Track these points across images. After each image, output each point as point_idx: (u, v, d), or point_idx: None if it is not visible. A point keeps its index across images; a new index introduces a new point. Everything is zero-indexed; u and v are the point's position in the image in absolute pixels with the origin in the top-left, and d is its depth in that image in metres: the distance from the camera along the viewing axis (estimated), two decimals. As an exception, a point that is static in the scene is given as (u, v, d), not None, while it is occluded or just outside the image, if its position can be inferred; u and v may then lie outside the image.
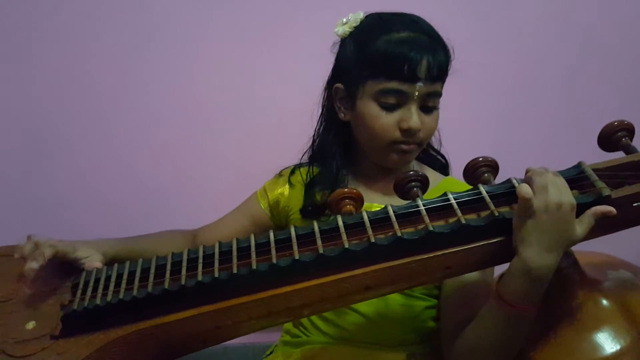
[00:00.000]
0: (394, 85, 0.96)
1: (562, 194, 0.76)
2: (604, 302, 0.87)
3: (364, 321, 1.01)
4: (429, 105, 0.99)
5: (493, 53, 1.48)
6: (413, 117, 0.97)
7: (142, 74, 1.51)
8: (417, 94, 0.96)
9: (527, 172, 0.81)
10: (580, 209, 0.78)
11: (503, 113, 1.51)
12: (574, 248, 0.88)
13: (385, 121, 0.98)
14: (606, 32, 1.49)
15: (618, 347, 0.83)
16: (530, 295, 0.80)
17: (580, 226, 0.77)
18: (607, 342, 0.83)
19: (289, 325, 1.10)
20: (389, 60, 0.96)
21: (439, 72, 0.97)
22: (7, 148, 1.52)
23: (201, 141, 1.52)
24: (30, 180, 1.53)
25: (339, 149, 1.08)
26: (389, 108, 0.98)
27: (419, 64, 0.95)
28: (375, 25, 1.01)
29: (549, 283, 0.88)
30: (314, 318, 1.04)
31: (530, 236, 0.76)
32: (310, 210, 1.08)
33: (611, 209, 0.77)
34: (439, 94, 1.00)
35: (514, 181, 0.82)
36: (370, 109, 0.99)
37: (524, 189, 0.76)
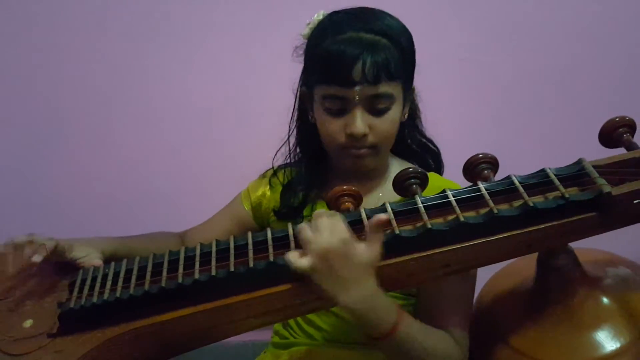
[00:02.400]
0: (333, 90, 0.93)
1: (330, 234, 0.75)
2: (605, 300, 0.87)
3: (346, 324, 1.00)
4: (378, 107, 0.95)
5: (490, 50, 1.47)
6: (356, 122, 0.93)
7: (143, 73, 1.50)
8: (357, 97, 0.92)
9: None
10: (581, 206, 0.77)
11: (501, 109, 1.50)
12: (574, 245, 0.88)
13: (332, 127, 0.96)
14: (605, 26, 1.47)
15: (618, 345, 0.83)
16: (377, 325, 0.79)
17: (370, 246, 0.76)
18: (607, 340, 0.83)
19: (278, 326, 1.10)
20: (326, 65, 0.93)
21: (382, 72, 0.91)
22: (7, 147, 1.52)
23: (202, 140, 1.52)
24: (30, 180, 1.53)
25: (309, 151, 1.07)
26: (334, 113, 0.95)
27: (353, 66, 0.90)
28: (323, 27, 0.98)
29: (548, 280, 0.89)
30: (300, 320, 1.05)
31: (327, 287, 0.76)
32: (284, 212, 1.07)
33: (382, 216, 0.76)
34: (387, 95, 0.94)
35: (514, 178, 0.81)
36: (320, 115, 0.98)
37: (289, 258, 0.76)
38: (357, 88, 0.92)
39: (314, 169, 1.07)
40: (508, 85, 1.48)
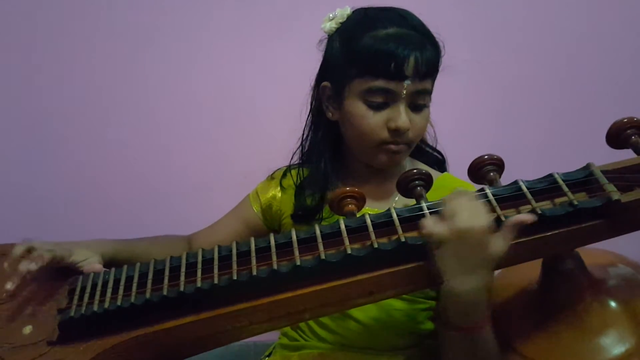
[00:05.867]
0: (380, 83, 0.93)
1: (474, 218, 0.73)
2: (610, 303, 0.86)
3: (362, 328, 0.99)
4: (418, 103, 0.95)
5: (493, 50, 1.46)
6: (401, 116, 0.93)
7: (143, 74, 1.50)
8: (405, 92, 0.93)
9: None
10: (589, 213, 0.76)
11: (504, 111, 1.50)
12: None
13: (373, 121, 0.95)
14: (609, 27, 1.46)
15: (624, 348, 0.82)
16: (470, 317, 0.78)
17: (501, 241, 0.74)
18: (613, 344, 0.83)
19: (286, 328, 1.09)
20: (375, 58, 0.92)
21: (428, 69, 0.93)
22: (9, 149, 1.52)
23: (203, 141, 1.52)
24: (31, 181, 1.53)
25: (327, 149, 1.05)
26: (376, 107, 0.95)
27: (406, 61, 0.91)
28: (361, 21, 0.97)
29: (554, 285, 0.88)
30: (311, 323, 1.03)
31: (445, 264, 0.74)
32: (300, 215, 1.05)
33: (528, 217, 0.74)
34: (428, 92, 0.96)
35: (521, 184, 0.80)
36: (357, 109, 0.96)
37: (423, 223, 0.75)
38: (407, 82, 0.92)
39: (332, 168, 1.05)
40: (511, 86, 1.48)
